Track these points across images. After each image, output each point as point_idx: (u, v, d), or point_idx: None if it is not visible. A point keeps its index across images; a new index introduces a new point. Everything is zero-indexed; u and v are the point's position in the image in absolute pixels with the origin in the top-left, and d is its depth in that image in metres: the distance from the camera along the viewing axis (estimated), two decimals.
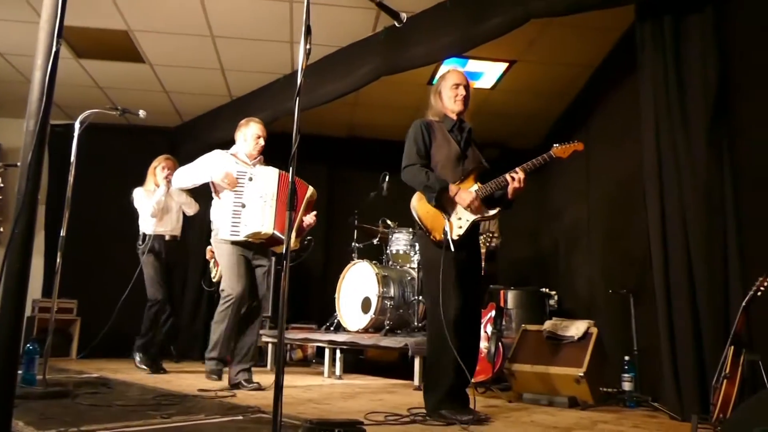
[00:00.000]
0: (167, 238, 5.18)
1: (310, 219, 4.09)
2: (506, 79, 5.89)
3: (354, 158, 7.46)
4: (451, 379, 2.87)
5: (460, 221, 3.03)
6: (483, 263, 4.24)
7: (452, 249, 2.92)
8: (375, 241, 5.88)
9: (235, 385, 3.80)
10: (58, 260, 3.55)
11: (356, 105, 6.58)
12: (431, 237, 3.02)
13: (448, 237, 2.94)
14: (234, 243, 3.87)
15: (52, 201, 6.46)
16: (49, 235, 6.61)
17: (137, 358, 5.06)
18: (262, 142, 4.09)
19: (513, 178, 3.02)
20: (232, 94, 6.50)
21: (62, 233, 3.60)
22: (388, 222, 5.73)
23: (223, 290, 3.88)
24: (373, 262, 5.47)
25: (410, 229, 5.60)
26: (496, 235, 4.63)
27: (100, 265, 6.53)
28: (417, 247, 5.44)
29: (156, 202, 5.01)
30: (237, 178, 3.85)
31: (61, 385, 3.46)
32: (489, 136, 7.42)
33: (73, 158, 3.70)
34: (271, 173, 3.92)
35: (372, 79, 5.06)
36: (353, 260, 5.70)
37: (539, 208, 7.41)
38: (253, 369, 3.95)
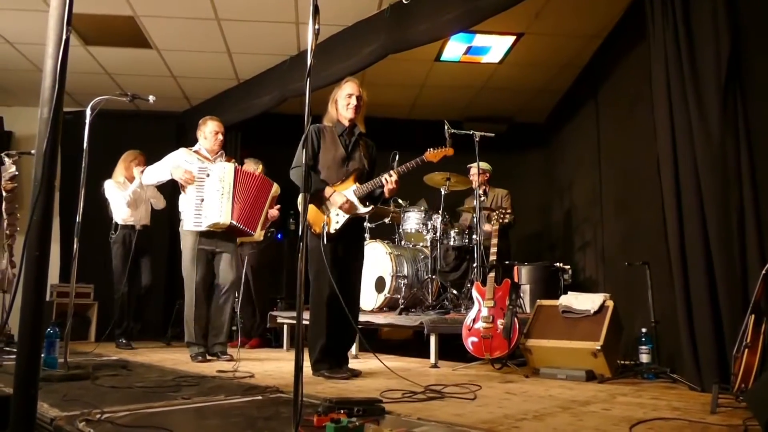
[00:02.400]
0: (138, 227, 5.58)
1: (274, 212, 4.84)
2: (514, 53, 5.83)
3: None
4: (323, 347, 3.46)
5: (337, 217, 3.52)
6: (496, 239, 4.26)
7: (325, 241, 3.43)
8: (387, 221, 5.87)
9: (213, 356, 4.40)
10: (75, 245, 3.58)
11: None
12: (312, 230, 3.51)
13: (324, 231, 3.46)
14: (198, 234, 4.33)
15: (66, 187, 6.51)
16: (63, 221, 6.69)
17: (121, 342, 5.50)
18: (220, 137, 4.59)
19: (387, 180, 3.51)
20: (240, 77, 6.48)
21: (78, 219, 3.63)
22: (400, 201, 5.72)
23: (184, 279, 4.40)
24: (386, 241, 5.48)
25: (422, 208, 5.59)
26: (508, 212, 4.61)
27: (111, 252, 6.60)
28: (429, 226, 5.44)
29: (132, 192, 5.41)
30: (198, 174, 4.31)
31: (82, 367, 3.50)
32: (496, 111, 7.38)
33: (85, 144, 3.72)
34: (228, 169, 4.35)
35: (378, 57, 5.02)
36: (366, 240, 5.70)
37: (550, 181, 7.38)
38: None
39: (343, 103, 3.65)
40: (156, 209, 5.79)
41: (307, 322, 5.10)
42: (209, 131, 4.55)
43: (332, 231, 3.49)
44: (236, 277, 4.53)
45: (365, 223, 5.93)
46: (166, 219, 6.36)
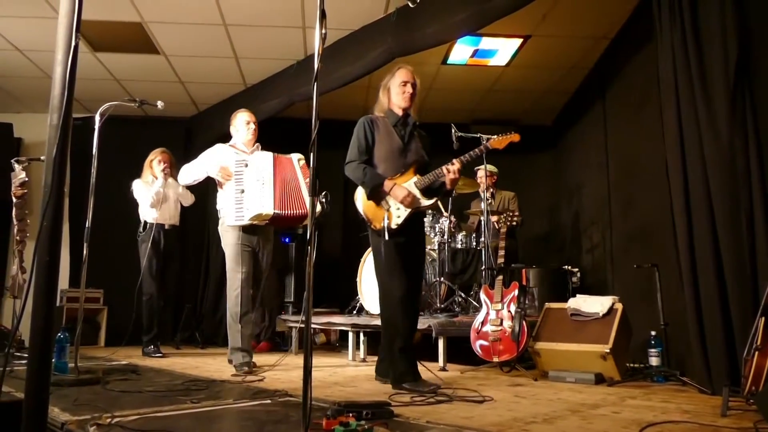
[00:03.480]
0: (167, 227, 5.44)
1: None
2: (521, 55, 5.83)
3: None
4: (406, 354, 3.18)
5: (398, 211, 3.30)
6: (504, 242, 4.25)
7: (387, 237, 3.21)
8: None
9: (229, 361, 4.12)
10: (84, 251, 3.60)
11: (370, 88, 6.55)
12: (372, 227, 3.34)
13: (386, 226, 3.24)
14: (241, 230, 4.07)
15: (75, 193, 6.55)
16: (73, 226, 6.73)
17: (150, 350, 5.26)
18: (252, 126, 4.35)
19: (449, 170, 3.28)
20: (247, 81, 6.51)
21: (87, 224, 3.65)
22: None
23: (228, 278, 4.12)
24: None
25: (429, 211, 5.59)
26: (516, 213, 4.60)
27: (123, 255, 6.62)
28: (437, 228, 5.44)
29: (155, 193, 5.30)
30: (236, 167, 4.07)
31: (92, 372, 3.52)
32: (504, 113, 7.37)
33: (94, 150, 3.74)
34: (266, 157, 4.11)
35: (385, 61, 5.03)
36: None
37: (557, 184, 7.36)
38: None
39: (397, 91, 3.43)
40: (185, 206, 5.62)
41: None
42: (240, 122, 4.36)
43: (394, 226, 3.26)
44: (266, 278, 4.38)
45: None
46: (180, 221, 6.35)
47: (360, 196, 3.41)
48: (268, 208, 3.98)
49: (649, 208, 4.61)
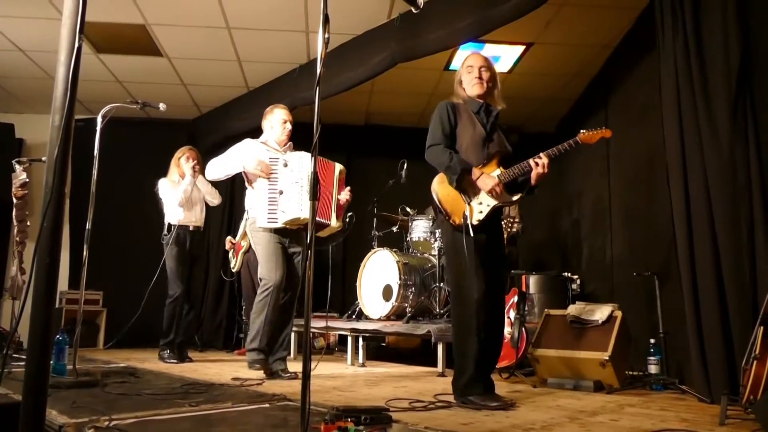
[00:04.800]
0: (191, 228, 5.21)
1: (345, 195, 4.10)
2: (523, 62, 5.83)
3: (372, 146, 7.44)
4: (477, 363, 2.86)
5: (480, 206, 2.99)
6: (505, 248, 4.24)
7: (471, 234, 2.89)
8: (395, 229, 5.88)
9: (272, 374, 3.82)
10: (84, 253, 3.60)
11: (372, 92, 6.56)
12: (451, 221, 2.99)
13: (468, 222, 2.92)
14: (272, 231, 3.85)
15: (76, 194, 6.55)
16: (73, 228, 6.73)
17: (165, 355, 5.05)
18: (289, 126, 4.10)
19: (537, 164, 2.99)
20: (249, 84, 6.52)
21: (88, 226, 3.65)
22: (408, 209, 5.72)
23: (261, 279, 3.87)
24: (394, 249, 5.48)
25: (430, 216, 5.59)
26: (517, 220, 4.60)
27: (124, 257, 6.64)
28: (438, 234, 5.44)
29: (183, 191, 5.07)
30: (270, 165, 3.83)
31: (91, 374, 3.52)
32: (506, 120, 7.33)
33: (96, 152, 3.75)
34: (305, 157, 3.83)
35: (388, 66, 5.04)
36: (373, 248, 5.71)
37: (559, 190, 7.35)
38: None
39: (468, 79, 3.16)
40: (211, 206, 5.45)
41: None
42: (277, 120, 4.08)
43: (475, 222, 2.95)
44: (296, 287, 3.99)
45: (374, 231, 5.99)
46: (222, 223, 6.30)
47: (438, 186, 3.09)
48: (306, 213, 3.65)
49: (650, 215, 4.61)
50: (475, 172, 3.00)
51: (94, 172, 3.71)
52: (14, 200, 4.73)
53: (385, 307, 5.23)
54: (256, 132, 6.64)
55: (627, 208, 5.25)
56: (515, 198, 3.07)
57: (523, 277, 5.58)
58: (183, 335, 5.17)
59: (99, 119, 3.80)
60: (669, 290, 3.84)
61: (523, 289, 5.39)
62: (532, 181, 3.04)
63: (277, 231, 3.86)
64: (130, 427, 2.10)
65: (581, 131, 3.18)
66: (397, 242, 5.90)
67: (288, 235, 3.92)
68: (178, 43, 5.60)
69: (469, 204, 2.98)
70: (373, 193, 6.02)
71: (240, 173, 3.99)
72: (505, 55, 5.71)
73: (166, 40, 5.53)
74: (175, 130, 7.20)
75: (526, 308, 5.10)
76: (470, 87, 3.16)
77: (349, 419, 2.04)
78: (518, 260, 5.88)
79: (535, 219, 7.08)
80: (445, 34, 4.58)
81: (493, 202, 2.99)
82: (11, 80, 6.48)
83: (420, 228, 5.63)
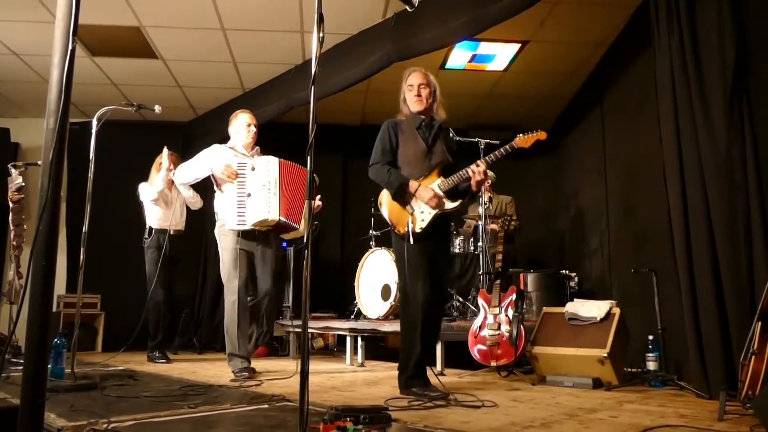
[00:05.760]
0: (171, 232, 5.39)
1: (316, 203, 4.24)
2: (519, 61, 5.84)
3: (368, 146, 7.32)
4: (417, 364, 3.13)
5: (422, 215, 3.23)
6: (502, 247, 4.25)
7: (411, 241, 3.14)
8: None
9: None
10: (81, 256, 3.60)
11: (368, 92, 6.56)
12: (396, 230, 3.26)
13: (410, 230, 3.17)
14: (239, 235, 3.99)
15: (72, 197, 6.54)
16: (70, 231, 6.72)
17: (154, 356, 5.25)
18: (253, 129, 4.24)
19: (474, 171, 3.20)
20: (245, 86, 6.51)
21: (84, 229, 3.65)
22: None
23: (224, 283, 4.03)
24: (391, 249, 5.47)
25: None
26: (514, 218, 4.61)
27: (120, 260, 6.61)
28: None
29: (156, 191, 5.23)
30: (238, 170, 3.97)
31: (89, 377, 3.51)
32: (502, 118, 7.38)
33: (92, 155, 3.74)
34: (272, 162, 4.05)
35: (383, 66, 5.04)
36: (371, 248, 5.71)
37: (556, 188, 7.37)
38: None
39: (409, 96, 3.41)
40: (192, 210, 5.51)
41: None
42: (241, 124, 4.23)
43: (418, 230, 3.19)
44: (272, 286, 4.21)
45: (371, 231, 5.99)
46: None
47: (385, 200, 3.34)
48: (274, 214, 3.94)
49: (646, 213, 4.62)
50: (413, 184, 3.23)
51: (90, 174, 3.70)
52: (10, 204, 4.72)
53: (384, 307, 5.23)
54: None
55: (624, 205, 5.26)
56: (455, 205, 3.28)
57: (521, 275, 5.59)
58: (163, 334, 5.39)
59: (94, 122, 3.80)
60: (667, 287, 3.85)
61: (521, 287, 5.41)
62: (473, 187, 3.28)
63: (245, 234, 4.01)
64: (129, 430, 2.10)
65: (518, 135, 3.39)
66: None
67: (255, 237, 4.08)
68: (173, 45, 5.59)
69: (411, 214, 3.23)
70: (369, 193, 6.01)
71: (209, 177, 4.12)
72: (500, 54, 5.71)
73: (161, 42, 5.52)
74: (171, 132, 7.17)
75: (524, 306, 5.11)
76: (411, 104, 3.40)
77: (348, 419, 2.04)
78: (516, 258, 5.88)
79: (532, 217, 7.09)
80: (440, 33, 4.58)
81: (433, 212, 3.22)
82: (5, 84, 6.46)
83: None
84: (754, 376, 2.43)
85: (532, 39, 5.41)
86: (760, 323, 2.52)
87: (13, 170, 4.68)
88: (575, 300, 4.09)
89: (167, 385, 3.46)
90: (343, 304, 6.53)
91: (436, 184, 3.26)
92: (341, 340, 5.89)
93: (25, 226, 4.88)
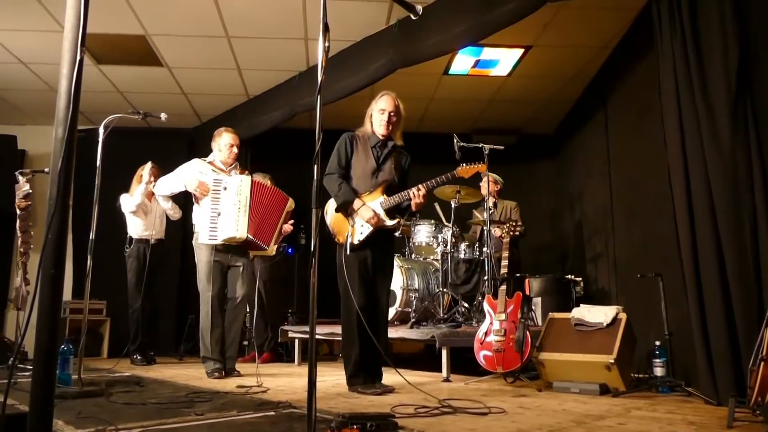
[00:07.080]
0: (152, 241, 5.63)
1: (287, 227, 4.87)
2: (522, 65, 5.84)
3: None
4: (356, 364, 3.45)
5: (362, 227, 3.51)
6: (507, 252, 4.24)
7: (348, 252, 3.44)
8: (397, 234, 5.87)
9: (227, 374, 4.32)
10: (88, 262, 3.61)
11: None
12: (335, 239, 3.57)
13: (348, 241, 3.46)
14: (213, 248, 4.27)
15: (79, 204, 6.54)
16: (76, 238, 6.73)
17: (135, 359, 5.53)
18: (235, 150, 4.51)
19: (414, 195, 3.47)
20: (249, 93, 6.54)
21: (91, 236, 3.67)
22: None
23: (200, 296, 4.32)
24: (396, 254, 5.47)
25: (432, 221, 5.60)
26: (519, 223, 4.60)
27: (125, 266, 6.62)
28: (439, 239, 5.44)
29: (135, 204, 5.46)
30: (213, 186, 4.23)
31: (96, 384, 3.52)
32: (505, 123, 7.38)
33: (98, 162, 3.76)
34: (245, 182, 4.28)
35: (387, 72, 5.06)
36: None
37: (560, 192, 7.36)
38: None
39: (377, 118, 3.65)
40: (172, 221, 5.79)
41: (322, 337, 5.18)
42: (224, 144, 4.48)
43: (356, 242, 3.48)
44: (247, 292, 4.48)
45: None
46: (179, 233, 6.41)
47: (330, 209, 3.61)
48: (242, 232, 4.18)
49: (652, 216, 4.60)
50: (357, 202, 3.51)
51: (97, 182, 3.72)
52: (18, 211, 4.75)
53: (389, 313, 5.22)
54: (256, 139, 6.71)
55: (629, 209, 5.24)
56: (393, 222, 3.54)
57: (527, 280, 5.58)
58: (144, 338, 5.63)
59: (101, 130, 3.82)
60: (673, 291, 3.83)
61: (527, 292, 5.40)
62: (413, 208, 3.54)
63: (218, 247, 4.28)
64: None
65: (461, 165, 3.70)
66: (400, 247, 5.90)
67: (229, 250, 4.34)
68: (178, 53, 5.62)
69: (352, 227, 3.51)
70: None
71: (189, 191, 4.35)
72: (503, 59, 5.72)
73: (166, 50, 5.55)
74: (177, 139, 7.22)
75: (530, 311, 5.10)
76: (377, 125, 3.65)
77: (355, 426, 2.04)
78: (520, 263, 5.87)
79: (537, 221, 7.08)
80: (443, 39, 4.60)
81: (370, 227, 3.50)
82: (13, 92, 6.50)
83: (422, 233, 5.62)
84: (763, 383, 2.42)
85: (535, 44, 5.42)
86: None
87: (20, 178, 4.71)
88: (581, 305, 4.08)
89: (174, 391, 3.47)
90: None
91: (378, 201, 3.54)
92: None
93: (32, 233, 4.91)
